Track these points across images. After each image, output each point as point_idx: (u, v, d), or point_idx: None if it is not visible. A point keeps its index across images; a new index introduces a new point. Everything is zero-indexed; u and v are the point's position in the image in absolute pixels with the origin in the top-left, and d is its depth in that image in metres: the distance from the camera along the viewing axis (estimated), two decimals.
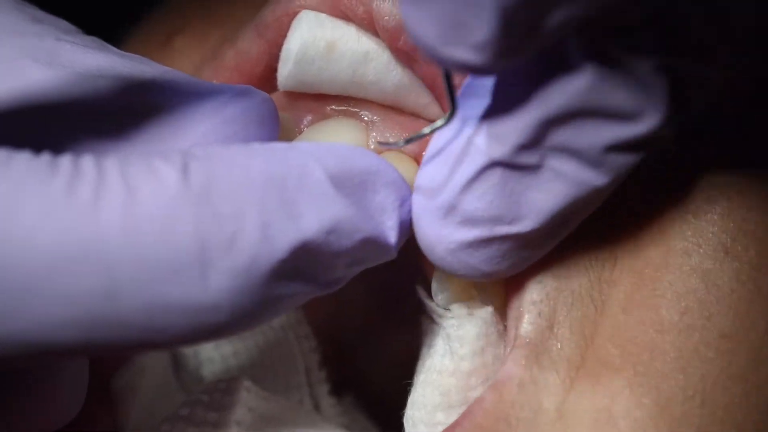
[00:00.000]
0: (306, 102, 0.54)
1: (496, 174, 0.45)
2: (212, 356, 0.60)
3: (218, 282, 0.41)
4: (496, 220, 0.46)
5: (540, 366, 0.48)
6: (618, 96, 0.43)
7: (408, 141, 0.49)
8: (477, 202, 0.45)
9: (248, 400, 0.54)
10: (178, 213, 0.41)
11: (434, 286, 0.53)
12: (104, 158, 0.41)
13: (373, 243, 0.45)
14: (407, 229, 0.47)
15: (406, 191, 0.47)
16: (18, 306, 0.39)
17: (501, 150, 0.44)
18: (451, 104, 0.46)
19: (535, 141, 0.44)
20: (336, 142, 0.52)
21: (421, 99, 0.52)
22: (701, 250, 0.49)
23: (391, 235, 0.46)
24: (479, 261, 0.47)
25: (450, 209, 0.46)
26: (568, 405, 0.48)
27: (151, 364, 0.58)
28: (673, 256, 0.49)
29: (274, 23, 0.53)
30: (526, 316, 0.49)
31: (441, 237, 0.47)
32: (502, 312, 0.52)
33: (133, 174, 0.41)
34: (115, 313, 0.40)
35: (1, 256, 0.39)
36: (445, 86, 0.46)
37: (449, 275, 0.52)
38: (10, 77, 0.45)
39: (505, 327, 0.51)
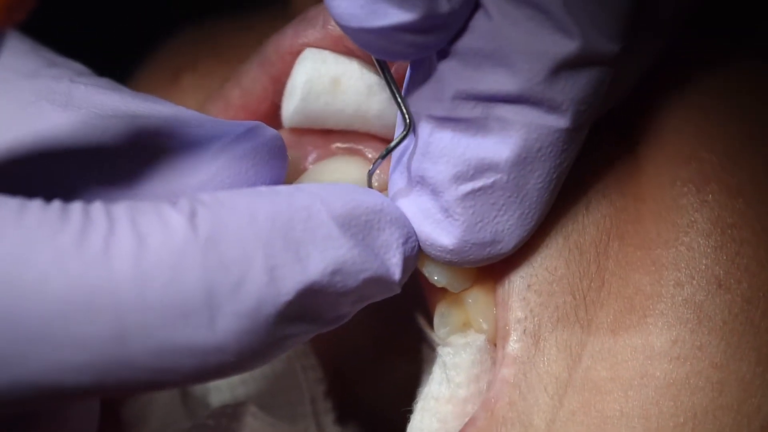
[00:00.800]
0: (311, 138, 0.55)
1: (446, 135, 0.47)
2: (219, 384, 0.60)
3: (225, 325, 0.42)
4: (459, 178, 0.47)
5: (529, 384, 0.49)
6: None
7: (381, 158, 0.50)
8: (436, 167, 0.47)
9: (254, 426, 0.55)
10: (186, 260, 0.42)
11: (437, 320, 0.54)
12: (114, 205, 0.42)
13: (377, 281, 0.46)
14: (411, 265, 0.48)
15: (409, 228, 0.48)
16: (31, 351, 0.40)
17: (437, 107, 0.46)
18: (405, 115, 0.48)
19: (466, 93, 0.46)
20: (340, 180, 0.53)
21: None
22: (694, 282, 0.50)
23: (396, 272, 0.47)
24: (462, 229, 0.48)
25: (420, 184, 0.48)
26: (558, 424, 0.49)
27: (159, 394, 0.59)
28: (666, 286, 0.50)
29: (277, 61, 0.54)
30: (512, 334, 0.50)
31: (417, 219, 0.49)
32: (495, 338, 0.52)
33: (142, 221, 0.42)
34: (125, 357, 0.41)
35: (15, 304, 0.40)
36: (392, 93, 0.48)
37: (451, 309, 0.54)
38: (28, 120, 0.47)
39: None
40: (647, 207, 0.52)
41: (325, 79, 0.53)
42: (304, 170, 0.55)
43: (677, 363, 0.49)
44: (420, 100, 0.48)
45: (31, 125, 0.46)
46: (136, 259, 0.41)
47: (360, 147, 0.55)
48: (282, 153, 0.49)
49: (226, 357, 0.43)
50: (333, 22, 0.53)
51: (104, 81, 0.49)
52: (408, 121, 0.48)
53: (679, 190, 0.51)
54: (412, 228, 0.48)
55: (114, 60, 0.60)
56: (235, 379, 0.61)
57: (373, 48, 0.47)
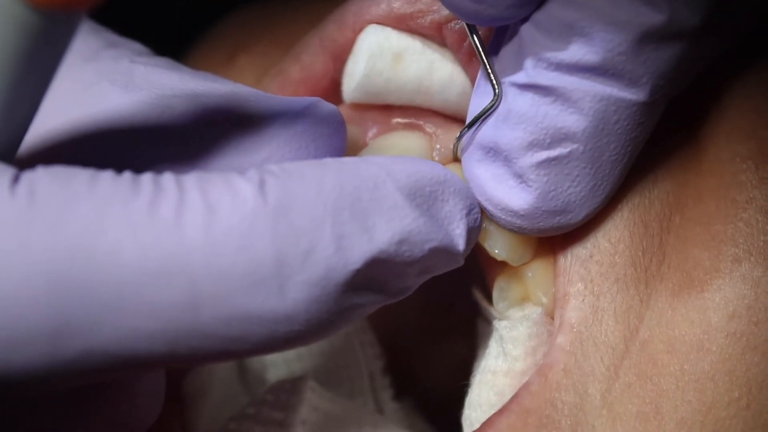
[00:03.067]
0: (371, 114, 0.56)
1: (526, 102, 0.48)
2: (276, 360, 0.61)
3: (295, 293, 0.42)
4: (535, 146, 0.48)
5: (584, 352, 0.50)
6: None
7: (467, 127, 0.51)
8: (514, 133, 0.48)
9: (313, 400, 0.55)
10: (257, 228, 0.42)
11: (496, 294, 0.55)
12: (184, 176, 0.43)
13: (443, 251, 0.46)
14: (474, 237, 0.48)
15: (472, 199, 0.48)
16: (105, 319, 0.41)
17: (519, 74, 0.47)
18: (494, 82, 0.49)
19: (548, 60, 0.47)
20: (402, 154, 0.53)
21: None
22: (752, 258, 0.50)
23: (460, 243, 0.47)
24: (535, 196, 0.49)
25: (493, 150, 0.49)
26: (614, 394, 0.49)
27: (219, 369, 0.59)
28: (724, 261, 0.50)
29: (339, 37, 0.55)
30: (571, 302, 0.50)
31: (490, 183, 0.49)
32: (552, 311, 0.53)
33: (212, 191, 0.42)
34: (197, 325, 0.42)
35: (88, 272, 0.40)
36: (482, 60, 0.49)
37: (510, 283, 0.54)
38: (91, 101, 0.47)
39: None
40: (707, 183, 0.52)
41: (387, 55, 0.54)
42: (364, 145, 0.55)
43: (733, 338, 0.49)
44: (501, 67, 0.49)
45: (94, 105, 0.47)
46: (207, 227, 0.41)
47: (420, 122, 0.55)
48: (342, 128, 0.50)
49: (295, 326, 0.43)
50: (397, 1, 0.53)
51: (163, 60, 0.50)
52: (497, 90, 0.49)
53: (738, 167, 0.52)
54: (475, 199, 0.48)
55: (170, 41, 0.61)
56: (291, 354, 0.61)
57: (464, 11, 0.47)
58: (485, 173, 0.50)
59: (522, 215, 0.50)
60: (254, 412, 0.56)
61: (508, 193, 0.49)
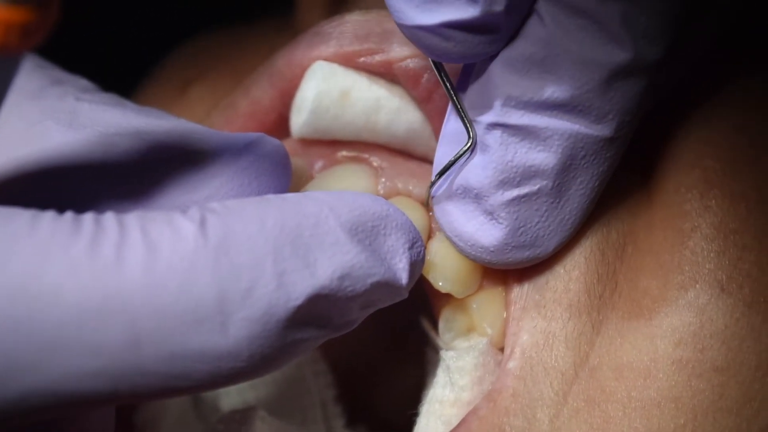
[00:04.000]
0: (318, 148, 0.56)
1: (495, 141, 0.48)
2: (229, 390, 0.61)
3: (237, 330, 0.43)
4: (505, 184, 0.49)
5: (534, 377, 0.50)
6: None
7: (439, 174, 0.51)
8: (484, 172, 0.49)
9: (263, 430, 0.55)
10: (197, 266, 0.42)
11: (442, 325, 0.55)
12: (125, 215, 0.43)
13: (385, 286, 0.47)
14: (418, 270, 0.49)
15: (415, 233, 0.48)
16: (47, 360, 0.41)
17: (487, 113, 0.48)
18: (468, 127, 0.49)
19: (516, 99, 0.47)
20: (347, 188, 0.54)
21: (431, 142, 0.55)
22: (698, 285, 0.51)
23: (403, 277, 0.47)
24: (505, 233, 0.50)
25: (462, 192, 0.50)
26: (562, 419, 0.50)
27: (173, 400, 0.59)
28: (671, 289, 0.51)
29: (287, 73, 0.55)
30: (524, 327, 0.51)
31: (460, 220, 0.50)
32: (499, 341, 0.53)
33: (153, 229, 0.42)
34: (139, 363, 0.42)
35: (30, 312, 0.40)
36: (454, 103, 0.49)
37: (456, 315, 0.55)
38: (34, 140, 0.47)
39: (502, 354, 0.53)
40: (656, 213, 0.53)
41: (334, 92, 0.54)
42: (310, 178, 0.56)
43: (679, 365, 0.50)
44: (468, 105, 0.50)
45: (37, 144, 0.47)
46: (147, 266, 0.42)
47: (366, 155, 0.56)
48: (285, 163, 0.50)
49: (239, 362, 0.43)
50: (346, 39, 0.54)
51: (109, 97, 0.50)
52: (472, 135, 0.49)
53: (684, 196, 0.52)
54: (418, 233, 0.49)
55: (122, 72, 0.61)
56: (244, 385, 0.61)
57: (433, 49, 0.48)
58: (455, 210, 0.51)
59: (492, 251, 0.50)
60: None
61: (479, 229, 0.50)
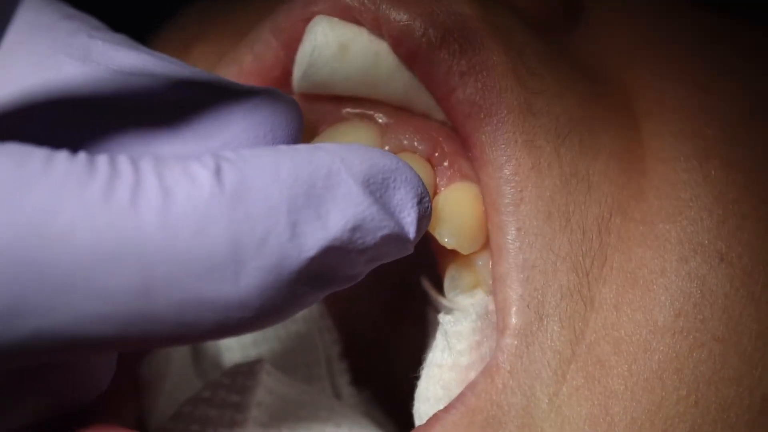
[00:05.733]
0: (322, 105, 0.56)
1: None
2: (231, 346, 0.61)
3: (249, 280, 0.43)
4: None
5: (531, 356, 0.50)
6: None
7: None
8: None
9: (269, 383, 0.56)
10: (213, 213, 0.42)
11: (447, 282, 0.55)
12: (140, 159, 0.43)
13: (394, 239, 0.47)
14: (425, 225, 0.49)
15: (423, 188, 0.48)
16: (57, 301, 0.41)
17: None
18: None
19: None
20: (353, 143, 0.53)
21: (431, 100, 0.54)
22: (698, 256, 0.51)
23: (411, 231, 0.47)
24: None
25: None
26: (562, 397, 0.49)
27: (174, 353, 0.60)
28: (670, 260, 0.51)
29: (289, 28, 0.55)
30: (515, 307, 0.50)
31: None
32: None
33: (169, 175, 0.42)
34: (149, 309, 0.42)
35: (43, 254, 0.40)
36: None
37: (461, 272, 0.55)
38: (46, 71, 0.47)
39: None
40: (650, 182, 0.52)
41: (333, 46, 0.54)
42: (317, 135, 0.56)
43: (680, 336, 0.50)
44: None
45: (49, 76, 0.47)
46: (162, 211, 0.41)
47: (371, 112, 0.56)
48: (298, 119, 0.50)
49: (248, 312, 0.43)
50: None
51: (121, 38, 0.49)
52: None
53: (683, 165, 0.52)
54: (425, 189, 0.48)
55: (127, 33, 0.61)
56: (247, 340, 0.62)
57: None
58: None
59: None
60: (210, 395, 0.56)
61: None
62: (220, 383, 0.56)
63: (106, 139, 0.47)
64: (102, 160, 0.42)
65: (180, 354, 0.60)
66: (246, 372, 0.56)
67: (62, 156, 0.42)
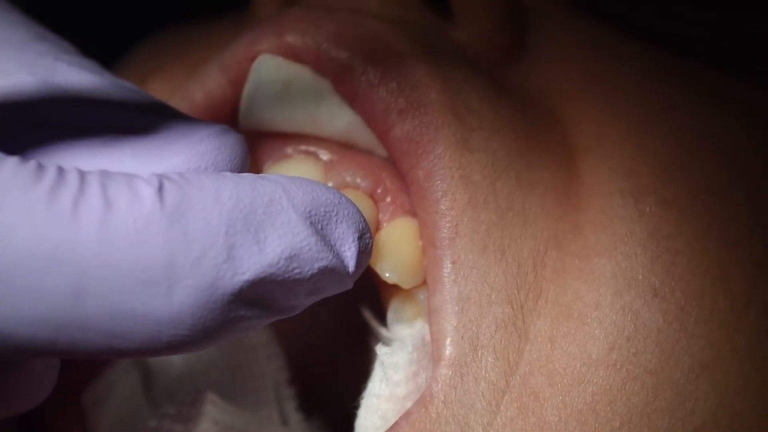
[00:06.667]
0: (267, 141, 0.57)
1: None
2: (182, 374, 0.62)
3: (181, 297, 0.43)
4: None
5: (465, 387, 0.50)
6: None
7: None
8: None
9: (213, 413, 0.56)
10: (151, 229, 0.43)
11: (390, 315, 0.56)
12: (88, 171, 0.43)
13: (332, 272, 0.47)
14: (365, 261, 0.49)
15: (364, 224, 0.49)
16: None
17: None
18: None
19: None
20: None
21: (373, 137, 0.55)
22: (632, 291, 0.51)
23: (351, 265, 0.47)
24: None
25: None
26: (496, 428, 0.50)
27: (120, 380, 0.60)
28: (604, 295, 0.51)
29: (236, 65, 0.56)
30: (449, 338, 0.51)
31: None
32: None
33: (113, 188, 0.43)
34: (81, 316, 0.42)
35: None
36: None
37: (404, 305, 0.56)
38: (6, 85, 0.47)
39: None
40: (587, 216, 0.53)
41: (277, 84, 0.55)
42: (260, 172, 0.56)
43: (614, 369, 0.51)
44: None
45: (8, 89, 0.47)
46: (102, 221, 0.42)
47: (314, 149, 0.57)
48: (243, 154, 0.51)
49: (180, 330, 0.43)
50: (288, 32, 0.55)
51: (87, 62, 0.50)
52: None
53: (619, 201, 0.53)
54: (367, 225, 0.49)
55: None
56: (198, 368, 0.62)
57: None
58: None
59: None
60: (156, 425, 0.57)
61: None
62: (166, 413, 0.57)
63: (56, 152, 0.48)
64: (51, 168, 0.43)
65: (130, 382, 0.60)
66: (190, 402, 0.57)
67: (12, 160, 0.43)
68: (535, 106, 0.56)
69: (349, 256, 0.47)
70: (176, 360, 0.62)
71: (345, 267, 0.47)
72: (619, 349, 0.51)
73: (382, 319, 0.57)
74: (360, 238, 0.48)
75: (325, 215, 0.47)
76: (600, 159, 0.54)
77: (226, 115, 0.57)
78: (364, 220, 0.49)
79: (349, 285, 0.49)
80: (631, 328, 0.51)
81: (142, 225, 0.42)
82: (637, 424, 0.50)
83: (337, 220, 0.47)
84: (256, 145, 0.57)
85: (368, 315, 0.57)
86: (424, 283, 0.54)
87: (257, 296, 0.45)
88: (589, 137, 0.55)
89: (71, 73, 0.49)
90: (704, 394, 0.52)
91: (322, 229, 0.47)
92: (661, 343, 0.51)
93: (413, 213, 0.55)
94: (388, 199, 0.56)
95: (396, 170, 0.55)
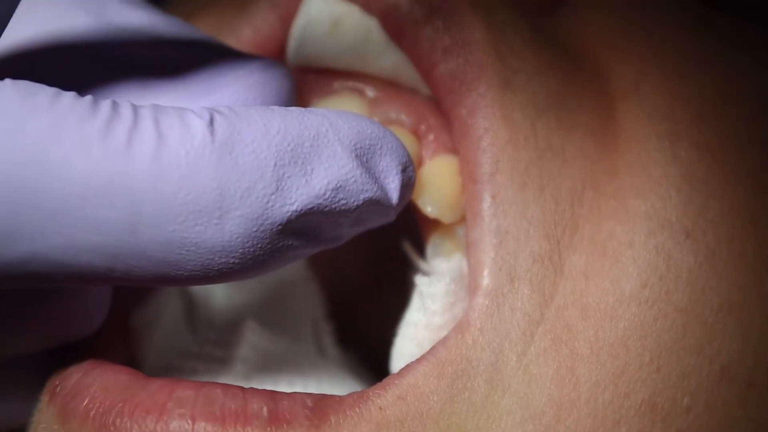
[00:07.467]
0: (315, 78, 0.58)
1: None
2: (222, 306, 0.63)
3: (233, 227, 0.44)
4: None
5: (501, 316, 0.51)
6: None
7: None
8: None
9: (253, 339, 0.58)
10: (202, 161, 0.44)
11: (430, 250, 0.57)
12: (140, 106, 0.45)
13: (376, 204, 0.48)
14: (408, 193, 0.50)
15: (407, 158, 0.50)
16: (51, 228, 0.43)
17: None
18: None
19: None
20: None
21: (417, 76, 0.56)
22: (665, 232, 0.52)
23: (394, 197, 0.49)
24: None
25: None
26: (529, 357, 0.51)
27: (167, 306, 0.62)
28: (639, 234, 0.52)
29: (285, 2, 0.57)
30: (487, 269, 0.52)
31: None
32: None
33: (165, 121, 0.44)
34: (136, 245, 0.44)
35: (40, 180, 0.42)
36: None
37: (443, 240, 0.57)
38: (61, 22, 0.49)
39: None
40: (623, 159, 0.54)
41: (325, 21, 0.56)
42: (307, 107, 0.58)
43: (646, 306, 0.52)
44: None
45: (63, 26, 0.49)
46: (155, 154, 0.43)
47: (361, 86, 0.58)
48: (290, 87, 0.52)
49: (230, 259, 0.45)
50: None
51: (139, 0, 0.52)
52: None
53: (655, 145, 0.54)
54: (410, 159, 0.50)
55: None
56: (236, 301, 0.64)
57: None
58: None
59: None
60: (198, 349, 0.59)
61: None
62: (208, 338, 0.59)
63: (110, 88, 0.49)
64: (105, 103, 0.44)
65: (172, 308, 0.62)
66: (232, 328, 0.59)
67: (69, 95, 0.44)
68: (575, 52, 0.57)
69: (393, 188, 0.49)
70: (218, 293, 0.64)
71: (389, 199, 0.49)
72: (651, 287, 0.52)
73: (421, 255, 0.59)
74: (403, 171, 0.49)
75: (369, 148, 0.48)
76: (637, 104, 0.55)
77: (274, 51, 0.58)
78: (408, 154, 0.50)
79: (391, 217, 0.50)
80: (663, 267, 0.52)
81: (193, 157, 0.44)
82: (666, 360, 0.51)
83: (381, 153, 0.48)
84: (303, 81, 0.58)
85: (408, 248, 0.58)
86: (463, 219, 0.56)
87: (304, 226, 0.47)
88: (627, 84, 0.56)
89: (122, 10, 0.50)
90: (731, 334, 0.53)
91: (367, 161, 0.48)
92: (691, 282, 0.52)
93: (455, 151, 0.56)
94: (431, 137, 0.57)
95: (439, 109, 0.56)
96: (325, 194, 0.46)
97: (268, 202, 0.45)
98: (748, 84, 0.57)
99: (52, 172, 0.42)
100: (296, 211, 0.46)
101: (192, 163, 0.44)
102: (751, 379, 0.53)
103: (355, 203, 0.47)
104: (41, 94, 0.44)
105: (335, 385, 0.59)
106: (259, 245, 0.45)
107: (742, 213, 0.54)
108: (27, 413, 0.52)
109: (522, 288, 0.52)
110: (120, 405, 0.48)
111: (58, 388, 0.50)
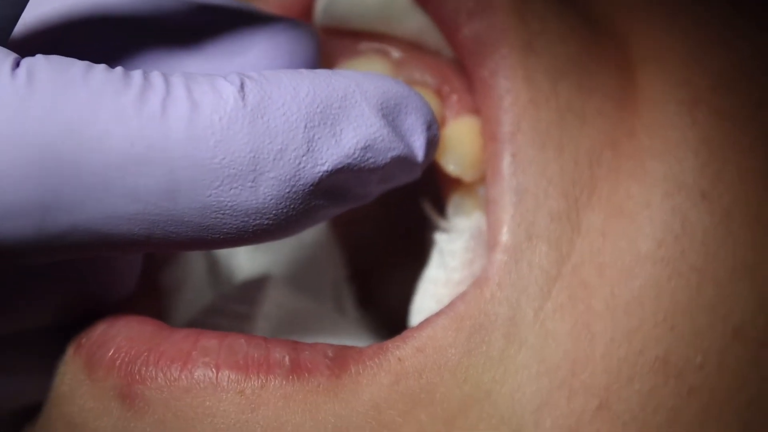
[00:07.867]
0: (341, 39, 0.59)
1: None
2: (244, 266, 0.65)
3: (266, 189, 0.46)
4: None
5: (519, 272, 0.52)
6: None
7: None
8: None
9: (276, 296, 0.59)
10: (235, 125, 0.45)
11: (451, 209, 0.58)
12: (171, 75, 0.46)
13: (403, 161, 0.49)
14: (433, 151, 0.51)
15: (432, 116, 0.51)
16: (91, 198, 0.44)
17: None
18: None
19: None
20: None
21: (441, 38, 0.57)
22: (682, 193, 0.53)
23: (420, 154, 0.50)
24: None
25: None
26: (546, 312, 0.52)
27: (193, 265, 0.63)
28: (655, 195, 0.53)
29: None
30: (506, 226, 0.53)
31: None
32: None
33: (197, 89, 0.45)
34: (174, 211, 0.45)
35: (78, 153, 0.43)
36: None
37: (464, 199, 0.58)
38: None
39: None
40: (642, 122, 0.54)
41: None
42: (334, 68, 0.58)
43: (661, 265, 0.52)
44: None
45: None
46: (189, 121, 0.44)
47: (386, 47, 0.59)
48: (316, 47, 0.53)
49: (265, 220, 0.46)
50: None
51: None
52: None
53: (674, 109, 0.54)
54: (435, 117, 0.51)
55: None
56: (258, 262, 0.65)
57: None
58: None
59: None
60: (221, 305, 0.60)
61: None
62: (231, 295, 0.60)
63: (139, 57, 0.50)
64: (136, 73, 0.45)
65: (197, 266, 0.63)
66: (255, 285, 0.60)
67: (100, 68, 0.45)
68: (596, 17, 0.57)
69: (419, 145, 0.50)
70: (241, 255, 0.65)
71: (415, 156, 0.50)
72: (667, 247, 0.52)
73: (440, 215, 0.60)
74: (428, 128, 0.50)
75: (395, 107, 0.49)
76: (657, 69, 0.56)
77: (301, 13, 0.59)
78: (432, 113, 0.51)
79: (417, 174, 0.51)
80: (678, 227, 0.53)
81: (227, 122, 0.45)
82: (680, 319, 0.52)
83: (407, 112, 0.50)
84: (329, 43, 0.59)
85: (428, 206, 0.59)
86: (484, 178, 0.56)
87: (334, 186, 0.48)
88: (647, 49, 0.56)
89: None
90: (745, 295, 0.53)
91: (393, 120, 0.49)
92: (707, 242, 0.53)
93: (477, 112, 0.56)
94: (454, 98, 0.58)
95: (462, 70, 0.57)
96: (354, 153, 0.48)
97: (299, 163, 0.46)
98: (766, 54, 0.58)
99: (91, 144, 0.44)
100: (327, 170, 0.47)
101: (226, 128, 0.45)
102: (764, 340, 0.54)
103: (383, 161, 0.49)
104: (74, 68, 0.45)
105: (355, 342, 0.60)
106: (291, 206, 0.47)
107: (758, 177, 0.55)
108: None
109: (540, 245, 0.53)
110: (145, 354, 0.50)
111: (84, 339, 0.52)
